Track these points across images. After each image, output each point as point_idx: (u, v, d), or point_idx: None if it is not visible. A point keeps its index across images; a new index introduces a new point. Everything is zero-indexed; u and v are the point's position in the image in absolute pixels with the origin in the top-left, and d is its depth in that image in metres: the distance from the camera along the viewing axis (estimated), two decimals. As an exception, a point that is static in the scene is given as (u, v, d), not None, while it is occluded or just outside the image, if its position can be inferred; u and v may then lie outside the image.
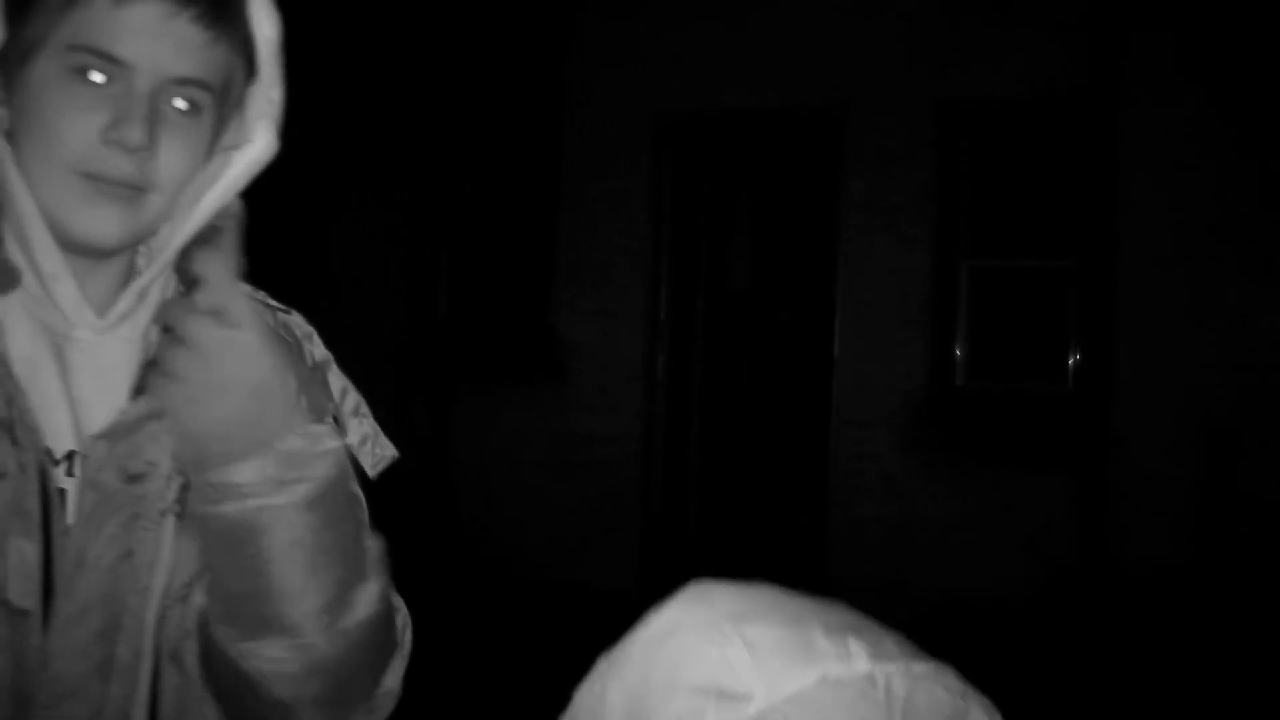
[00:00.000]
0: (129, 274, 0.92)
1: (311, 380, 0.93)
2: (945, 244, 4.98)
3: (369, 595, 0.89)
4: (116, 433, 0.86)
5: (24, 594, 0.83)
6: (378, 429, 1.04)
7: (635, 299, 5.56)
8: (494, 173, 5.84)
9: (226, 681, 0.88)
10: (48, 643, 0.84)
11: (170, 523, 0.88)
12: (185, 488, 0.87)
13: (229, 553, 0.84)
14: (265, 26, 0.91)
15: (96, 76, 0.84)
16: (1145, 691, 4.12)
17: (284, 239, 5.27)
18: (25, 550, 0.83)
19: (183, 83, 0.86)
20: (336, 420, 0.96)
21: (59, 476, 0.86)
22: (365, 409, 1.03)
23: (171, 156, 0.87)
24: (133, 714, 0.87)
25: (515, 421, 5.67)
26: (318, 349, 1.03)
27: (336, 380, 1.03)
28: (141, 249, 0.93)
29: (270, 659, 0.85)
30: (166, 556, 0.88)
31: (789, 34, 5.16)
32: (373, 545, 0.90)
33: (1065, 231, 4.91)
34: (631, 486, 5.51)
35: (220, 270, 0.86)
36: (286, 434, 0.82)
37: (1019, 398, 4.94)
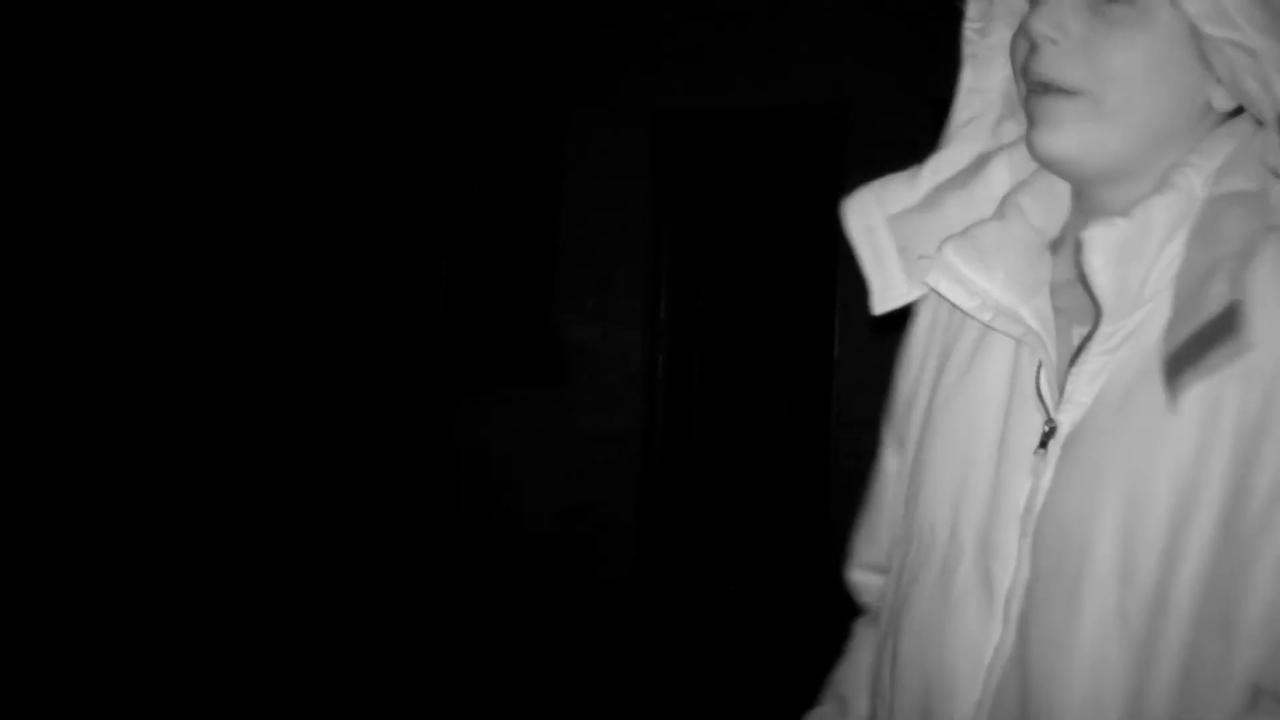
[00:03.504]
0: None
1: None
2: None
3: None
4: None
5: None
6: None
7: (635, 299, 5.55)
8: (494, 173, 5.85)
9: None
10: None
11: None
12: None
13: None
14: None
15: None
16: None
17: (283, 240, 5.28)
18: None
19: None
20: None
21: None
22: None
23: None
24: None
25: (515, 422, 5.67)
26: None
27: None
28: None
29: None
30: None
31: (789, 34, 5.16)
32: None
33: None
34: (631, 486, 5.51)
35: None
36: None
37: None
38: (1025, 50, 0.94)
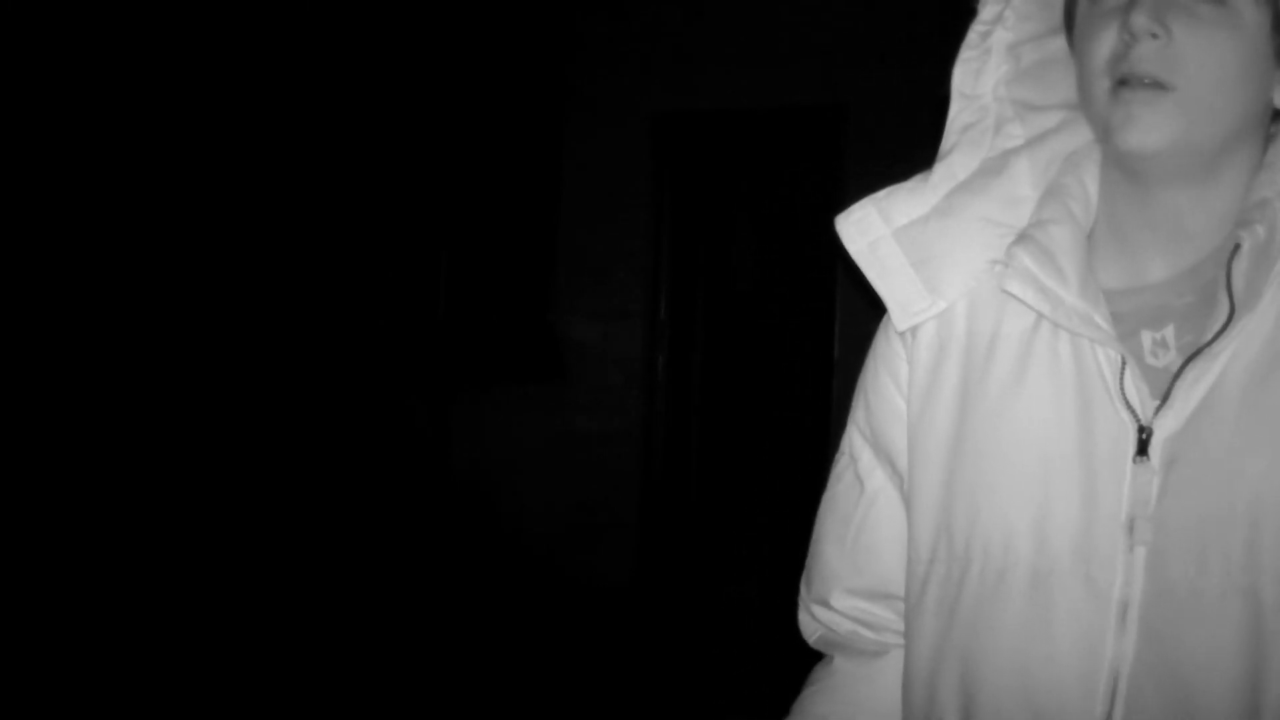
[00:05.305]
0: None
1: None
2: (945, 244, 4.97)
3: None
4: None
5: None
6: None
7: (635, 299, 5.55)
8: (494, 172, 5.84)
9: None
10: None
11: None
12: None
13: None
14: None
15: None
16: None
17: (283, 239, 5.28)
18: None
19: None
20: None
21: None
22: None
23: None
24: None
25: (515, 422, 5.67)
26: None
27: None
28: None
29: None
30: None
31: (789, 34, 5.16)
32: None
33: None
34: (631, 486, 5.51)
35: None
36: None
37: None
38: (1112, 45, 0.94)
